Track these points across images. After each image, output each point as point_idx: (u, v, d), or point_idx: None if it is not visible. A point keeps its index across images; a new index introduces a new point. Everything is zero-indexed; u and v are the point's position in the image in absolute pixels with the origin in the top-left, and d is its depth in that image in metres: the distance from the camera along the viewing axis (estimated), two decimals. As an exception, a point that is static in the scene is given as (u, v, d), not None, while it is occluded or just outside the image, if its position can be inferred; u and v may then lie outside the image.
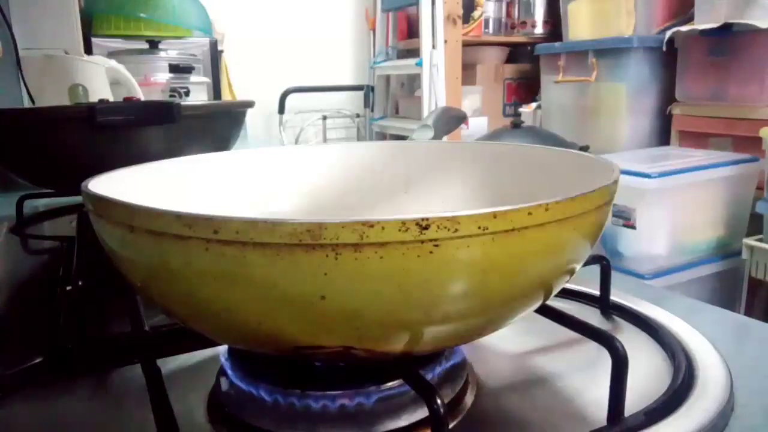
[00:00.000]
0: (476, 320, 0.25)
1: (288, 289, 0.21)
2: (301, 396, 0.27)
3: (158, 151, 0.39)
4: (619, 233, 1.44)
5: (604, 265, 0.39)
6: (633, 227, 1.41)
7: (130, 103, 0.75)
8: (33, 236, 0.66)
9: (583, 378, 0.32)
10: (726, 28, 1.55)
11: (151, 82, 1.28)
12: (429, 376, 0.28)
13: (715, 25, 1.57)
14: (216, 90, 1.61)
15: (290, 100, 2.56)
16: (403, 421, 0.27)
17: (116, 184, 0.30)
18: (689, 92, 1.75)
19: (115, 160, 0.35)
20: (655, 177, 1.35)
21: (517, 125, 1.61)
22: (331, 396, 0.27)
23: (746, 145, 1.55)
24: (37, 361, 0.34)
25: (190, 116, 0.64)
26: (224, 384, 0.30)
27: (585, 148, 1.53)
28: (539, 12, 2.46)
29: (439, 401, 0.23)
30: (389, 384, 0.27)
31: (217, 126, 0.69)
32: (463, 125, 1.57)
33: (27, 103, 1.09)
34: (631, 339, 0.36)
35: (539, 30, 2.47)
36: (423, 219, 0.20)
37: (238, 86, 2.21)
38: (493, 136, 1.68)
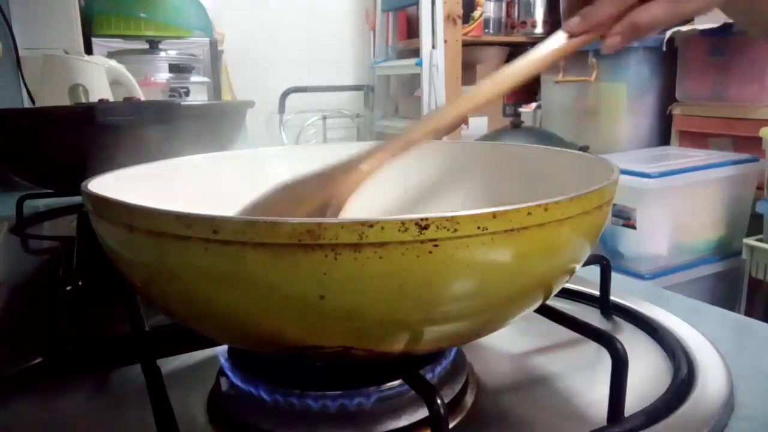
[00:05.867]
0: (476, 320, 0.25)
1: (287, 289, 0.21)
2: (301, 396, 0.27)
3: (158, 151, 0.39)
4: (619, 233, 1.44)
5: (604, 265, 0.39)
6: (633, 227, 1.41)
7: (130, 103, 0.75)
8: (33, 236, 0.66)
9: (583, 378, 0.32)
10: (726, 28, 1.55)
11: (151, 82, 1.28)
12: (429, 376, 0.28)
13: (715, 25, 1.57)
14: (216, 90, 1.61)
15: (290, 100, 2.56)
16: (403, 421, 0.27)
17: (116, 184, 0.30)
18: (689, 92, 1.74)
19: (115, 160, 0.35)
20: (655, 177, 1.35)
21: (517, 125, 1.61)
22: (331, 396, 0.27)
23: (746, 145, 1.55)
24: (37, 361, 0.34)
25: (190, 116, 0.64)
26: (224, 384, 0.30)
27: (585, 148, 1.53)
28: (539, 12, 2.46)
29: (439, 401, 0.23)
30: (389, 384, 0.27)
31: (217, 126, 0.69)
32: (463, 125, 1.57)
33: (27, 103, 1.09)
34: (631, 339, 0.36)
35: (539, 30, 2.46)
36: (422, 219, 0.20)
37: (238, 86, 2.21)
38: (493, 136, 1.68)
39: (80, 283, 0.38)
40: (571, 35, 0.35)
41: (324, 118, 2.64)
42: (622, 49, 0.34)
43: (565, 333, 0.32)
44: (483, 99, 0.34)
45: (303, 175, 0.35)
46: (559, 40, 0.35)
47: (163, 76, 1.31)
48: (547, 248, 0.23)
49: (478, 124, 2.30)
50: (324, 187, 0.33)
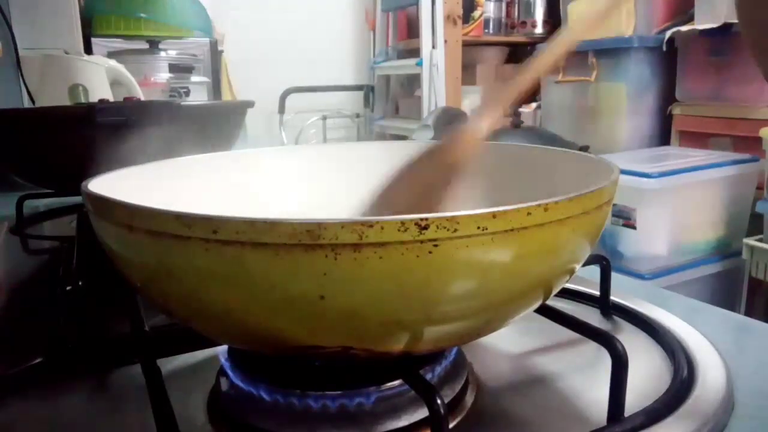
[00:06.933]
0: (476, 320, 0.25)
1: (287, 289, 0.21)
2: (301, 396, 0.27)
3: (158, 151, 0.39)
4: (619, 233, 1.44)
5: (604, 265, 0.39)
6: (633, 227, 1.41)
7: (130, 103, 0.75)
8: (33, 236, 0.66)
9: (583, 378, 0.32)
10: (726, 28, 1.55)
11: (151, 82, 1.28)
12: (429, 376, 0.28)
13: (715, 25, 1.57)
14: (216, 90, 1.61)
15: (290, 100, 2.56)
16: (403, 421, 0.27)
17: (116, 184, 0.30)
18: (689, 92, 1.74)
19: (115, 160, 0.35)
20: (655, 177, 1.35)
21: (517, 125, 1.60)
22: (331, 396, 0.27)
23: (746, 145, 1.55)
24: (37, 361, 0.34)
25: (190, 116, 0.64)
26: (224, 384, 0.30)
27: (585, 148, 1.53)
28: (539, 12, 2.46)
29: (439, 401, 0.23)
30: (389, 384, 0.27)
31: (217, 126, 0.69)
32: (463, 125, 1.57)
33: (27, 103, 1.09)
34: (631, 339, 0.36)
35: (539, 30, 2.47)
36: (422, 219, 0.20)
37: (238, 86, 2.21)
38: (493, 136, 1.68)
39: (80, 283, 0.38)
40: None
41: (324, 118, 2.64)
42: None
43: (565, 333, 0.32)
44: (574, 39, 0.33)
45: (414, 157, 0.35)
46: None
47: (163, 76, 1.31)
48: (547, 248, 0.23)
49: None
50: (440, 157, 0.34)
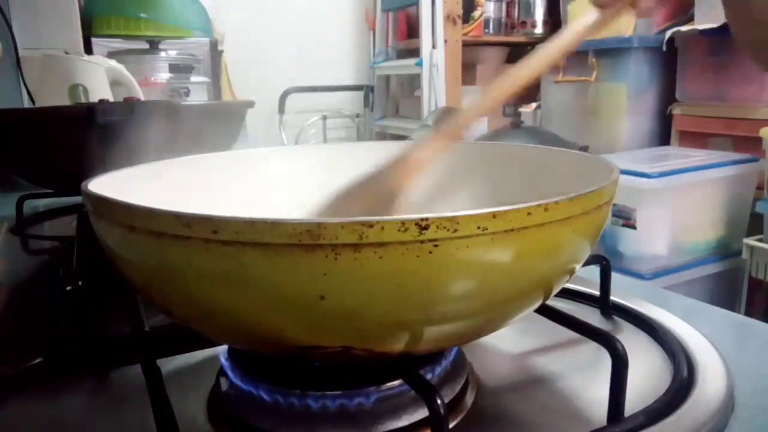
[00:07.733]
0: (476, 320, 0.25)
1: (287, 289, 0.21)
2: (301, 396, 0.27)
3: (158, 151, 0.39)
4: (619, 233, 1.44)
5: (604, 265, 0.39)
6: (633, 227, 1.41)
7: (130, 103, 0.74)
8: (33, 236, 0.66)
9: (583, 378, 0.32)
10: (726, 28, 1.54)
11: (151, 82, 1.28)
12: (429, 376, 0.28)
13: (715, 25, 1.57)
14: (216, 90, 1.61)
15: (290, 100, 2.56)
16: (403, 421, 0.27)
17: (116, 184, 0.30)
18: (689, 92, 1.74)
19: (115, 160, 0.35)
20: (655, 177, 1.35)
21: (517, 125, 1.61)
22: (331, 396, 0.27)
23: (746, 145, 1.55)
24: (37, 361, 0.34)
25: (190, 116, 0.64)
26: (224, 384, 0.30)
27: (585, 148, 1.53)
28: (539, 12, 2.46)
29: (439, 401, 0.23)
30: (389, 384, 0.27)
31: (217, 126, 0.69)
32: (463, 125, 1.57)
33: (27, 103, 1.08)
34: (631, 339, 0.36)
35: (539, 30, 2.46)
36: (422, 219, 0.20)
37: (238, 86, 2.21)
38: (493, 136, 1.68)
39: (80, 283, 0.38)
40: (601, 6, 0.35)
41: (324, 118, 2.64)
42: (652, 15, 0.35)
43: (565, 333, 0.32)
44: (527, 75, 0.35)
45: (363, 174, 0.36)
46: (591, 15, 0.36)
47: (163, 76, 1.31)
48: (547, 248, 0.23)
49: (478, 124, 2.30)
50: (381, 182, 0.35)
